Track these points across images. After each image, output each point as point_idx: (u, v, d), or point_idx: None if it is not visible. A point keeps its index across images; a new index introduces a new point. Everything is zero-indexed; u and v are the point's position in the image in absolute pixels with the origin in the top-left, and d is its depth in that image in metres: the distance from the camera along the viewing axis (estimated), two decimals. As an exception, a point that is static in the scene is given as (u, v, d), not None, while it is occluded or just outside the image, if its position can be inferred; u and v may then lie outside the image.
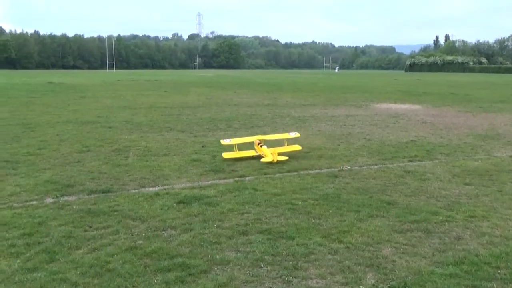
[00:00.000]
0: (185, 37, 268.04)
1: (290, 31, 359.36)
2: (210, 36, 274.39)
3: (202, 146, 10.85)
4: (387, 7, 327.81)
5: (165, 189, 7.15)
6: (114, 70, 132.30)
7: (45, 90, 32.34)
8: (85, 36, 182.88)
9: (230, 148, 9.63)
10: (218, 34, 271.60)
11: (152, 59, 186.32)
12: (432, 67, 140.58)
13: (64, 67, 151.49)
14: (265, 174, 8.17)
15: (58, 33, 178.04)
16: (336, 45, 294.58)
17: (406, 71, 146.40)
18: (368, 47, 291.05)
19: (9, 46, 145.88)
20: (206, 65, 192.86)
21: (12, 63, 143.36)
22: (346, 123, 15.43)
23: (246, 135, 11.66)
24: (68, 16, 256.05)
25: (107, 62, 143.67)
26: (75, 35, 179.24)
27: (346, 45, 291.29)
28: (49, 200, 6.56)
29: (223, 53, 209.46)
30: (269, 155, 9.03)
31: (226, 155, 9.35)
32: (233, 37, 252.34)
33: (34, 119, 15.98)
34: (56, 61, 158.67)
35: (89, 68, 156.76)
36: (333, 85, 44.34)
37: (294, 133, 10.84)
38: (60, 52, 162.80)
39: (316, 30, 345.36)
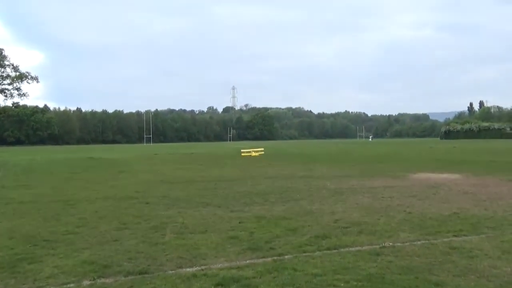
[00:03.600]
0: (220, 110, 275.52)
1: (322, 101, 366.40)
2: (244, 108, 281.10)
3: (239, 222, 10.74)
4: (419, 76, 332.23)
5: (202, 269, 7.01)
6: (151, 144, 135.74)
7: (86, 166, 33.27)
8: (125, 112, 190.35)
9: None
10: (252, 106, 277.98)
11: (188, 132, 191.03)
12: (468, 134, 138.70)
13: (104, 141, 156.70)
14: (304, 252, 7.94)
15: (99, 109, 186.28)
16: (369, 114, 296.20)
17: (441, 138, 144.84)
18: (401, 115, 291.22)
19: (52, 123, 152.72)
20: (241, 137, 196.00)
21: (55, 139, 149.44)
22: (385, 195, 15.10)
23: (283, 209, 11.48)
24: (109, 92, 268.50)
25: (145, 136, 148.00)
26: (115, 111, 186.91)
27: (379, 114, 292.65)
28: (86, 282, 6.51)
29: (257, 125, 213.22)
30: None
31: None
32: (266, 109, 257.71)
33: (74, 195, 16.30)
34: (96, 136, 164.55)
35: (127, 142, 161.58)
36: (368, 155, 44.05)
37: None
38: (100, 127, 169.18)
39: (348, 100, 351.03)
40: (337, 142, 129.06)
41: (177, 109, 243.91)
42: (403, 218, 11.05)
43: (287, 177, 21.77)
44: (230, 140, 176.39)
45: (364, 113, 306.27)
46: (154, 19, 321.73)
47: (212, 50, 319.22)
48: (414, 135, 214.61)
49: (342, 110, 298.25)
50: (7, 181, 21.44)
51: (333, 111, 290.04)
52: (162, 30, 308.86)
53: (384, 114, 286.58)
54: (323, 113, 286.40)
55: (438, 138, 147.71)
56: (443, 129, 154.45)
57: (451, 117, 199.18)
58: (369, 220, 10.75)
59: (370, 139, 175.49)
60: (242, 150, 40.93)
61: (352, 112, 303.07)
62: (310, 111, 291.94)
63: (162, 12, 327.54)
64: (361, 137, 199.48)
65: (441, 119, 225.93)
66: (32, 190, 17.89)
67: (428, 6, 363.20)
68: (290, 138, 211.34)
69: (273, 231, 9.48)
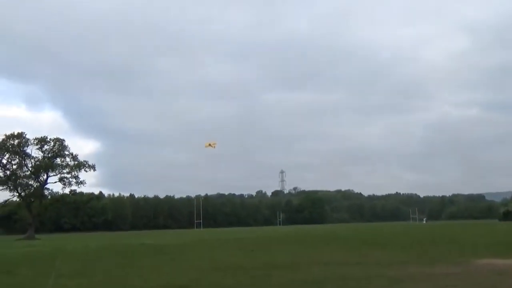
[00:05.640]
0: (269, 193, 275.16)
1: (371, 182, 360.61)
2: (293, 191, 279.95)
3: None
4: (471, 155, 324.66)
5: None
6: (202, 229, 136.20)
7: (138, 252, 33.56)
8: (176, 197, 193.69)
9: None
10: (301, 189, 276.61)
11: (238, 216, 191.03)
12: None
13: (155, 227, 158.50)
14: None
15: (151, 194, 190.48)
16: (421, 195, 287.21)
17: (500, 220, 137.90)
18: (455, 196, 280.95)
19: (107, 210, 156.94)
20: (290, 221, 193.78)
21: (108, 225, 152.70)
22: (448, 284, 14.34)
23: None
24: (160, 178, 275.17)
25: (195, 221, 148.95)
26: (166, 196, 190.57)
27: (432, 195, 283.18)
28: None
29: (307, 208, 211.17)
30: None
31: None
32: (315, 191, 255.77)
33: (128, 283, 16.38)
34: (148, 222, 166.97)
35: (178, 227, 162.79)
36: (423, 238, 42.30)
37: None
38: (152, 212, 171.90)
39: (399, 181, 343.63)
40: (390, 225, 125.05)
41: (226, 194, 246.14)
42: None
43: (341, 263, 21.13)
44: (279, 224, 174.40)
45: (415, 194, 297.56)
46: (203, 105, 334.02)
47: (260, 134, 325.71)
48: (470, 216, 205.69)
49: (393, 192, 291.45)
50: (64, 269, 21.86)
51: (384, 193, 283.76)
52: (210, 116, 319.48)
53: (437, 195, 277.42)
54: (374, 195, 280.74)
55: (497, 220, 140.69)
56: (501, 210, 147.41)
57: (508, 196, 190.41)
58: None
59: (424, 222, 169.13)
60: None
61: (403, 194, 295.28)
62: (360, 193, 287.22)
63: (211, 99, 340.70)
64: (414, 219, 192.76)
65: (498, 199, 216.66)
66: (87, 279, 18.12)
67: (474, 85, 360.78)
68: (341, 221, 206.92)
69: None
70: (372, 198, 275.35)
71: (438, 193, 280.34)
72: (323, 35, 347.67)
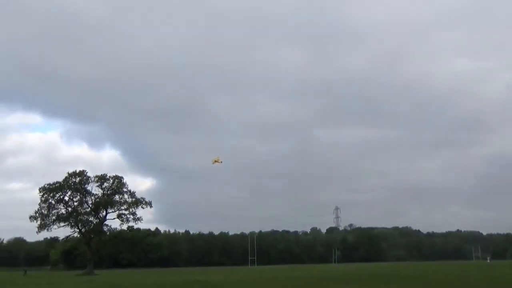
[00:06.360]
0: (324, 230, 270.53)
1: (430, 219, 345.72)
2: (348, 228, 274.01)
3: None
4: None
5: None
6: (256, 266, 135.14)
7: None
8: (230, 233, 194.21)
9: None
10: (356, 226, 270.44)
11: (291, 253, 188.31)
12: None
13: (209, 263, 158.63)
14: None
15: (205, 231, 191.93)
16: (484, 233, 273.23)
17: None
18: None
19: (162, 246, 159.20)
20: (346, 259, 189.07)
21: (164, 261, 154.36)
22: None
23: None
24: (214, 214, 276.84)
25: (249, 258, 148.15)
26: (221, 233, 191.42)
27: (495, 233, 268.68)
28: None
29: (363, 245, 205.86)
30: None
31: None
32: (371, 228, 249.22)
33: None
34: (202, 258, 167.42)
35: (232, 264, 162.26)
36: (491, 279, 40.01)
37: None
38: (207, 249, 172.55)
39: (459, 218, 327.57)
40: (453, 264, 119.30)
41: (280, 230, 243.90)
42: None
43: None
44: (335, 262, 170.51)
45: (478, 231, 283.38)
46: (257, 143, 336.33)
47: (313, 170, 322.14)
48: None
49: (453, 229, 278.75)
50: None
51: (443, 230, 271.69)
52: (263, 152, 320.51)
53: (501, 233, 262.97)
54: (433, 232, 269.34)
55: None
56: None
57: None
58: None
59: (488, 261, 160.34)
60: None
61: (464, 231, 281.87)
62: (418, 231, 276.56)
63: (265, 136, 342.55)
64: (477, 258, 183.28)
65: None
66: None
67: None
68: (398, 259, 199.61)
69: None
70: (431, 235, 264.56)
71: (503, 230, 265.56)
72: (378, 70, 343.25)
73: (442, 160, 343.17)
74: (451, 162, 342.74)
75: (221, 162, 51.42)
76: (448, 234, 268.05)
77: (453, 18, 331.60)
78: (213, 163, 51.67)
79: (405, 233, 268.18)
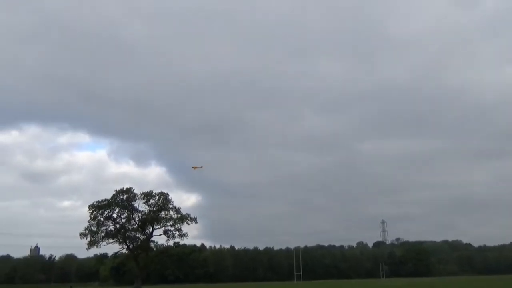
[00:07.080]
0: (370, 245, 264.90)
1: (482, 233, 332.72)
2: (396, 243, 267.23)
3: None
4: None
5: None
6: (301, 281, 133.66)
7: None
8: (275, 248, 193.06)
9: None
10: (404, 240, 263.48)
11: (338, 269, 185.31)
12: None
13: (255, 279, 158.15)
14: None
15: (250, 246, 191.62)
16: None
17: None
18: None
19: (208, 261, 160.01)
20: (394, 273, 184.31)
21: (209, 277, 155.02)
22: None
23: None
24: (259, 229, 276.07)
25: (295, 273, 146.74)
26: (266, 248, 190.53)
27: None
28: None
29: (411, 260, 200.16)
30: None
31: None
32: (420, 242, 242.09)
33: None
34: (248, 274, 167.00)
35: (277, 279, 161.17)
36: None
37: None
38: (252, 264, 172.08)
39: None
40: (507, 278, 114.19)
41: (326, 245, 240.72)
42: None
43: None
44: (382, 277, 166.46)
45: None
46: (301, 157, 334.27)
47: (358, 184, 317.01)
48: None
49: (507, 242, 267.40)
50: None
51: (496, 243, 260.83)
52: (307, 167, 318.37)
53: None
54: (485, 245, 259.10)
55: None
56: None
57: None
58: None
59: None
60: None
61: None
62: (470, 244, 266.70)
63: (309, 150, 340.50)
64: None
65: None
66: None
67: None
68: (449, 274, 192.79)
69: None
70: (483, 249, 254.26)
71: None
72: (422, 80, 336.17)
73: (492, 171, 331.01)
74: (501, 172, 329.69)
75: (202, 167, 54.38)
76: (502, 247, 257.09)
77: (497, 25, 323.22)
78: (194, 169, 55.00)
79: (455, 246, 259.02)
